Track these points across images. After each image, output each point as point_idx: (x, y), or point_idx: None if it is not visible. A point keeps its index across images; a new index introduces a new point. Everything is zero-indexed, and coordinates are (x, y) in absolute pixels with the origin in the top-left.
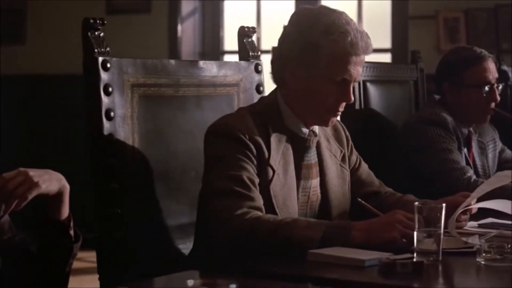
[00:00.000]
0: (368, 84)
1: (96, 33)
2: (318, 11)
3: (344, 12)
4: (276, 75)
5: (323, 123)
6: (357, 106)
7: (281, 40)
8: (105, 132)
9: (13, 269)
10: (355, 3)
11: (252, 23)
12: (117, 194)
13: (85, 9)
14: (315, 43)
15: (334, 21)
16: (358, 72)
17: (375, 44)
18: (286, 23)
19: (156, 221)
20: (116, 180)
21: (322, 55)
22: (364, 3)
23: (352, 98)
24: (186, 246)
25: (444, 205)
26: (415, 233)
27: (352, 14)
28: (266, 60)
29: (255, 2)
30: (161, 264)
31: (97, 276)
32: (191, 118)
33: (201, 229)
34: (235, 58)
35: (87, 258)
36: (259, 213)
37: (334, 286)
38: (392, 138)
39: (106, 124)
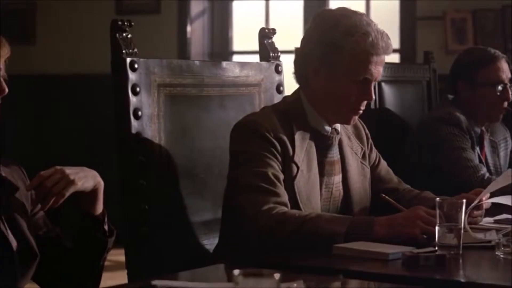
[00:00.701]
0: (383, 84)
1: (124, 34)
2: (340, 13)
3: (364, 14)
4: (299, 75)
5: (345, 121)
6: (372, 106)
7: (304, 41)
8: (133, 131)
9: (49, 263)
10: (363, 3)
11: (260, 23)
12: (144, 191)
13: (94, 9)
14: (337, 43)
15: (356, 22)
16: (379, 71)
17: None
18: (307, 24)
19: (182, 217)
20: (144, 177)
21: (344, 56)
22: (372, 3)
23: (373, 97)
24: (210, 242)
25: (464, 201)
26: (436, 228)
27: None
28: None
29: (263, 3)
30: (187, 259)
31: (124, 272)
32: (215, 117)
33: (226, 225)
34: (244, 58)
35: (115, 254)
36: (285, 209)
37: (360, 278)
38: (407, 136)
39: (134, 123)
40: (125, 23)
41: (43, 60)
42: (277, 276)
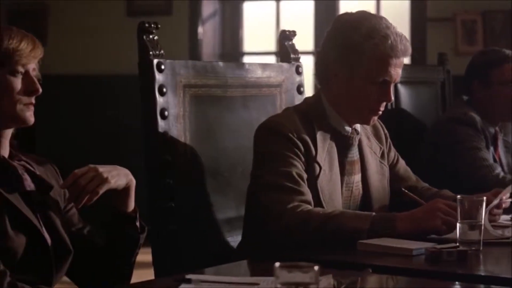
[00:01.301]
0: (398, 85)
1: (151, 36)
2: (360, 16)
3: (384, 17)
4: (319, 77)
5: (365, 121)
6: (388, 106)
7: (324, 43)
8: (160, 130)
9: (82, 259)
10: (374, 3)
11: (271, 24)
12: (171, 189)
13: (105, 10)
14: (357, 46)
15: (375, 25)
16: (398, 73)
17: None
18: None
19: (206, 215)
20: (170, 176)
21: (363, 58)
22: (382, 4)
23: (392, 98)
24: (233, 239)
25: (484, 198)
26: (458, 224)
27: None
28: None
29: (274, 4)
30: (211, 256)
31: (146, 270)
32: (238, 117)
33: (250, 223)
34: (255, 59)
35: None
36: (309, 207)
37: (385, 273)
38: (422, 136)
39: (160, 122)
40: (152, 25)
41: (54, 60)
42: (316, 268)
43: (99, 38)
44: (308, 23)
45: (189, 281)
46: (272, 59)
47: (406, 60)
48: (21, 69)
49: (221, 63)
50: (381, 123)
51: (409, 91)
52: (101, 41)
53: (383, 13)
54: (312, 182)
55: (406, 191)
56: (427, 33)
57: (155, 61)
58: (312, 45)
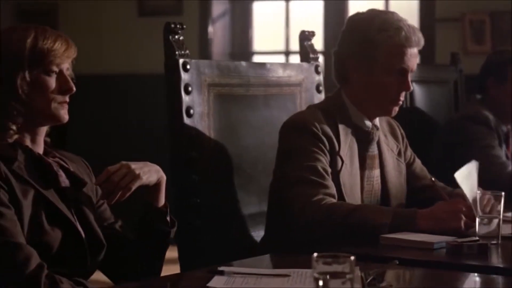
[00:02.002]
0: (413, 84)
1: (176, 36)
2: (371, 13)
3: (395, 12)
4: (338, 75)
5: (387, 113)
6: (404, 104)
7: (340, 42)
8: (186, 128)
9: (113, 253)
10: (382, 3)
11: (281, 24)
12: (196, 185)
13: (117, 10)
14: (372, 40)
15: (387, 19)
16: (414, 63)
17: None
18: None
19: (230, 210)
20: (196, 172)
21: (379, 51)
22: (391, 4)
23: (411, 87)
24: (256, 234)
25: (503, 193)
26: (477, 219)
27: None
28: (295, 60)
29: (284, 3)
30: (234, 250)
31: (174, 265)
32: (260, 115)
33: (273, 218)
34: (264, 58)
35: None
36: (333, 200)
37: (408, 265)
38: (436, 134)
39: (186, 120)
40: (178, 26)
41: None
42: (352, 258)
43: (110, 38)
44: (317, 23)
45: (222, 272)
46: (281, 59)
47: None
48: (55, 68)
49: (243, 63)
50: (397, 123)
51: (423, 90)
52: (112, 41)
53: None
54: (335, 175)
55: (434, 179)
56: (435, 33)
57: (181, 60)
58: (321, 45)
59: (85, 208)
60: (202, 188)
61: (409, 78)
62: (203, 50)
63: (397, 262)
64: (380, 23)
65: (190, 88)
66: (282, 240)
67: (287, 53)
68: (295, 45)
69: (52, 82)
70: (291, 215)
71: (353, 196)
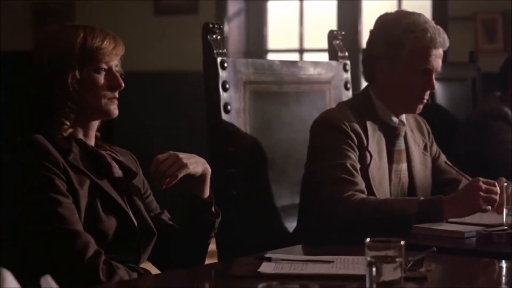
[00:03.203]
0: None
1: (214, 36)
2: (399, 14)
3: (421, 13)
4: (366, 73)
5: (412, 110)
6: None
7: (369, 42)
8: (223, 124)
9: (160, 242)
10: (395, 3)
11: (295, 23)
12: (233, 179)
13: (133, 9)
14: (399, 41)
15: (414, 20)
16: (438, 63)
17: None
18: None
19: (264, 202)
20: (233, 166)
21: (406, 51)
22: (403, 3)
23: (436, 86)
24: (289, 225)
25: None
26: (504, 210)
27: None
28: (309, 58)
29: (298, 3)
30: (269, 240)
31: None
32: (292, 112)
33: (305, 211)
34: (278, 56)
35: None
36: (363, 195)
37: (441, 253)
38: (457, 130)
39: (224, 116)
40: (215, 26)
41: None
42: (402, 243)
43: (126, 36)
44: (331, 21)
45: (269, 259)
46: (295, 56)
47: None
48: (104, 66)
49: (277, 61)
50: (423, 119)
51: (444, 88)
52: (128, 39)
53: None
54: (364, 170)
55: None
56: (448, 31)
57: (219, 59)
58: None
59: (136, 198)
60: (238, 181)
61: (433, 78)
62: None
63: (435, 249)
64: (407, 24)
65: (227, 86)
66: (314, 231)
67: (301, 51)
68: (309, 43)
69: (101, 79)
70: (323, 210)
71: (382, 189)
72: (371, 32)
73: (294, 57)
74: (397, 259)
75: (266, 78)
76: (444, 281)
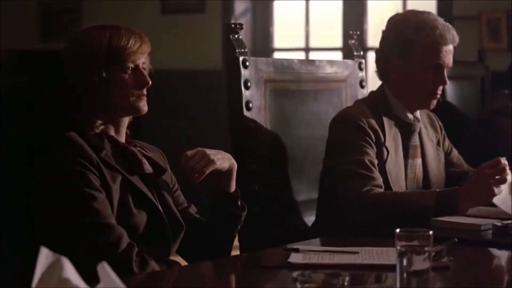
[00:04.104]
0: None
1: (236, 35)
2: (409, 13)
3: (431, 12)
4: (380, 72)
5: (426, 106)
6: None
7: (382, 42)
8: (246, 121)
9: (188, 235)
10: (400, 3)
11: (301, 22)
12: (255, 174)
13: (140, 8)
14: (411, 39)
15: (424, 18)
16: (449, 59)
17: None
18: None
19: (283, 197)
20: (254, 162)
21: (417, 48)
22: (409, 2)
23: (447, 81)
24: (308, 219)
25: None
26: None
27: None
28: (316, 56)
29: (303, 3)
30: (289, 233)
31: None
32: (310, 109)
33: (323, 205)
34: (284, 55)
35: None
36: (380, 190)
37: (459, 244)
38: (466, 128)
39: (246, 113)
40: (237, 26)
41: None
42: (430, 233)
43: None
44: (336, 21)
45: (297, 250)
46: (301, 55)
47: None
48: (131, 65)
49: (296, 60)
50: (436, 116)
51: (454, 86)
52: None
53: None
54: (381, 165)
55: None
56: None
57: (241, 58)
58: (340, 42)
59: (164, 192)
60: (260, 176)
61: (445, 73)
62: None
63: (456, 240)
64: (417, 23)
65: (249, 84)
66: (332, 225)
67: (307, 49)
68: (314, 42)
69: (128, 78)
70: (342, 205)
71: (398, 183)
72: (384, 32)
73: (300, 55)
74: (426, 248)
75: (285, 77)
76: (466, 270)
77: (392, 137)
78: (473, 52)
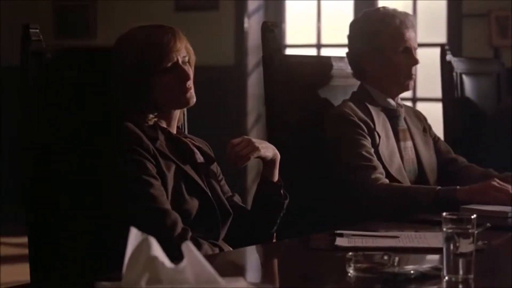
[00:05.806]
0: (463, 76)
1: (272, 34)
2: (366, 13)
3: (385, 6)
4: (357, 72)
5: (405, 87)
6: (456, 95)
7: (350, 45)
8: (279, 115)
9: (234, 222)
10: (411, 2)
11: (312, 19)
12: (288, 167)
13: (154, 6)
14: (376, 31)
15: (383, 12)
16: (415, 41)
17: (431, 39)
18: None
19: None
20: (288, 154)
21: (384, 38)
22: (419, 2)
23: (418, 60)
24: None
25: None
26: None
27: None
28: (327, 52)
29: (315, 2)
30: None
31: None
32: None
33: (329, 199)
34: (297, 51)
35: None
36: (386, 179)
37: (488, 229)
38: (484, 123)
39: (280, 108)
40: (273, 24)
41: (104, 56)
42: (474, 216)
43: None
44: (348, 19)
45: (341, 235)
46: (313, 51)
47: None
48: (169, 64)
49: (327, 57)
50: (420, 111)
51: (471, 82)
52: None
53: (420, 11)
54: (375, 149)
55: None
56: (462, 28)
57: (277, 55)
58: None
59: (213, 181)
60: (292, 168)
61: (414, 54)
62: (239, 43)
63: (489, 225)
64: (378, 17)
65: (283, 80)
66: (342, 216)
67: (318, 46)
68: (326, 39)
69: (170, 78)
70: (354, 199)
71: (393, 163)
72: (349, 36)
73: (312, 52)
74: (470, 231)
75: (316, 73)
76: (499, 253)
77: (381, 123)
78: (489, 49)
